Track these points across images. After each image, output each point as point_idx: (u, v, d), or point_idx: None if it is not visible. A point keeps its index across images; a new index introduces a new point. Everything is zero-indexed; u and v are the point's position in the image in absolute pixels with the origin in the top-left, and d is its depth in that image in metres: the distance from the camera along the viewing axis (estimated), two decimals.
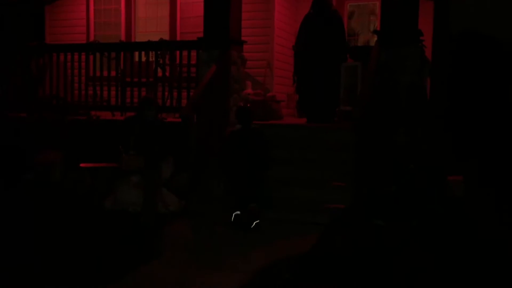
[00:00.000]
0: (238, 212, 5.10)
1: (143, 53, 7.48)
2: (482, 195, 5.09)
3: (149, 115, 5.62)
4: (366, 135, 5.11)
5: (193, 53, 7.10)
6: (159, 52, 7.41)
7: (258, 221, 5.06)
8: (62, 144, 7.09)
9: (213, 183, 5.78)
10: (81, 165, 6.12)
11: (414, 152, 5.33)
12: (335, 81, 6.76)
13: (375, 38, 6.23)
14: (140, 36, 9.45)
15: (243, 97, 7.13)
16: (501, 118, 5.88)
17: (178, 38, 9.13)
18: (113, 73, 7.65)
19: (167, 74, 7.55)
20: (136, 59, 7.60)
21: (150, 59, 7.49)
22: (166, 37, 9.02)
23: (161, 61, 7.48)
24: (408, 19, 5.92)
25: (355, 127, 5.14)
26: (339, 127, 6.42)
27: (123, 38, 9.46)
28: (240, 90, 7.07)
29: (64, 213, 5.64)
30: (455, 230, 4.57)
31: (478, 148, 5.67)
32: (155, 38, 8.24)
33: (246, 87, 7.52)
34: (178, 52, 7.23)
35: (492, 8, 6.10)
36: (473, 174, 5.26)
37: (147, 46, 7.59)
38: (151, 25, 9.55)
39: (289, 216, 5.29)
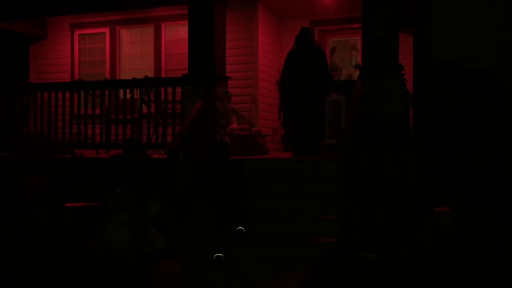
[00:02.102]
0: (220, 254, 5.09)
1: (127, 90, 7.51)
2: (471, 223, 5.11)
3: (134, 156, 5.64)
4: (353, 166, 5.14)
5: (178, 90, 7.14)
6: (144, 89, 7.44)
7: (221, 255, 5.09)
8: (47, 183, 6.98)
9: (199, 218, 5.73)
10: (67, 204, 6.02)
11: (402, 181, 5.36)
12: (320, 115, 6.84)
13: (358, 72, 6.36)
14: (125, 73, 9.49)
15: (228, 132, 7.15)
16: (480, 147, 5.97)
17: (163, 75, 9.20)
18: (97, 111, 7.64)
19: (152, 110, 7.56)
20: (121, 96, 7.61)
21: (135, 96, 7.51)
22: (151, 74, 9.08)
23: (146, 98, 7.50)
24: (388, 53, 6.07)
25: (341, 159, 5.17)
26: (325, 160, 6.45)
27: (108, 75, 9.49)
28: (225, 125, 7.11)
29: (50, 253, 5.51)
30: (446, 261, 4.56)
31: (460, 178, 5.72)
32: (140, 75, 8.29)
33: (231, 122, 7.56)
34: (163, 89, 7.27)
35: (471, 40, 6.28)
36: (460, 203, 5.29)
37: (132, 83, 7.62)
38: (136, 62, 9.61)
39: (279, 250, 5.24)
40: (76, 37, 9.86)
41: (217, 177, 5.59)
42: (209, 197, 5.55)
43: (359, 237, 4.81)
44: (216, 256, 5.07)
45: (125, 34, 9.70)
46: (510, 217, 5.02)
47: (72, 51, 9.84)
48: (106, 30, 9.66)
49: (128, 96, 7.55)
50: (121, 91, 7.65)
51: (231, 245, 5.29)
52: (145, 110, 7.55)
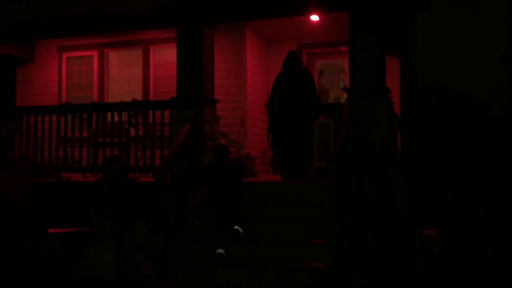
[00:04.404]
0: (221, 251, 5.33)
1: (115, 113, 7.46)
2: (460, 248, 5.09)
3: (110, 171, 5.50)
4: (342, 190, 5.11)
5: (166, 113, 7.11)
6: (132, 112, 7.40)
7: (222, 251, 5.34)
8: (31, 208, 6.87)
9: (187, 243, 5.65)
10: (50, 230, 5.91)
11: (390, 206, 5.34)
12: (308, 138, 6.83)
13: (346, 95, 6.39)
14: (113, 96, 9.46)
15: None
16: (467, 169, 5.98)
17: (151, 98, 9.18)
18: (85, 134, 7.57)
19: (140, 133, 7.51)
20: (109, 119, 7.56)
21: (123, 119, 7.46)
22: (139, 96, 9.06)
23: (134, 121, 7.46)
24: (375, 76, 6.12)
25: (330, 183, 5.14)
26: (315, 183, 6.42)
27: (95, 98, 9.45)
28: None
29: (34, 280, 5.38)
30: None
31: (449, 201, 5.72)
32: (128, 98, 8.26)
33: None
34: (151, 112, 7.24)
35: (456, 64, 6.36)
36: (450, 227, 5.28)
37: (120, 106, 7.58)
38: (124, 85, 9.59)
39: (267, 277, 5.14)
40: (64, 60, 9.82)
41: (217, 173, 5.82)
42: (209, 192, 5.77)
43: (349, 262, 4.75)
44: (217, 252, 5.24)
45: (113, 57, 9.69)
46: (497, 250, 5.00)
47: (60, 74, 9.80)
48: (94, 53, 9.65)
49: (116, 119, 7.50)
50: (109, 114, 7.60)
51: (218, 270, 5.20)
52: (133, 133, 7.51)
